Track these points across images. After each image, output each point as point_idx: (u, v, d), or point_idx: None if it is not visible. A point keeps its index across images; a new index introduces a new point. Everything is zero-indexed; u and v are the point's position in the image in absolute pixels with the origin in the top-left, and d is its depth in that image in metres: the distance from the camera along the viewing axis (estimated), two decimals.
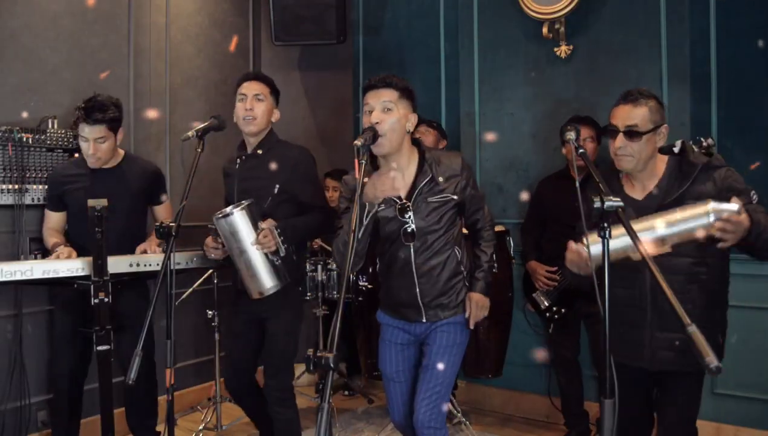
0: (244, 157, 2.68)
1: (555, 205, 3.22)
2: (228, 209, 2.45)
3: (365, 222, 2.08)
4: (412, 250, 2.19)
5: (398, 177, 2.16)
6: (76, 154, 3.20)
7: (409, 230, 2.18)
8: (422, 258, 2.21)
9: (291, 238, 2.51)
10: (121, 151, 2.95)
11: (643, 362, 2.03)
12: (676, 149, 2.08)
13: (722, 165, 2.00)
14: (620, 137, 1.97)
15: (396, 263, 2.24)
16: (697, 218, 1.77)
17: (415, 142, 2.29)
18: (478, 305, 2.26)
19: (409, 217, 2.18)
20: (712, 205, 1.77)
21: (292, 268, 2.62)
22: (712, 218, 1.76)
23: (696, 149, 2.99)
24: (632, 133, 1.96)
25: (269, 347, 2.67)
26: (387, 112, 2.13)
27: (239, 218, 2.40)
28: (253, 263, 2.44)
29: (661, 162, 2.06)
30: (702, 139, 3.00)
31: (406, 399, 2.33)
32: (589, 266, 1.85)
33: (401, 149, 2.20)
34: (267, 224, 2.42)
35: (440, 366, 2.20)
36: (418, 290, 2.22)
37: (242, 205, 2.42)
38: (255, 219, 2.43)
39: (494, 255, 2.34)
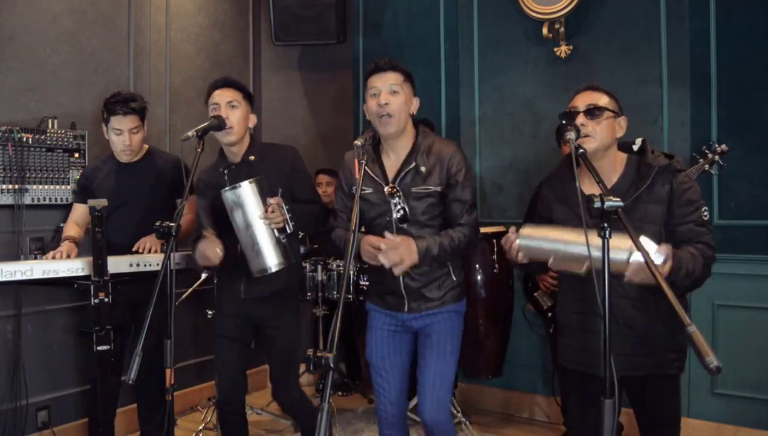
0: (233, 166, 2.56)
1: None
2: (238, 183, 2.38)
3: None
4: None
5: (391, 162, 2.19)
6: (76, 154, 3.22)
7: (400, 214, 2.15)
8: None
9: (297, 219, 2.45)
10: (146, 145, 3.01)
11: (598, 369, 1.96)
12: (635, 147, 2.04)
13: (682, 170, 1.96)
14: (581, 115, 1.94)
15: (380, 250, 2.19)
16: (617, 251, 1.66)
17: (415, 126, 2.26)
18: (403, 246, 2.05)
19: (398, 201, 2.15)
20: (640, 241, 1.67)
21: (293, 269, 2.60)
22: (632, 258, 1.67)
23: (709, 155, 3.04)
24: (593, 111, 1.93)
25: (278, 357, 2.64)
26: (394, 94, 2.15)
27: (248, 191, 2.34)
28: (258, 238, 2.36)
29: (621, 160, 2.01)
30: (717, 145, 3.03)
31: (394, 393, 2.27)
32: (515, 255, 1.91)
33: (404, 132, 2.20)
34: (275, 200, 2.36)
35: (441, 356, 2.18)
36: (401, 278, 2.18)
37: (252, 179, 2.37)
38: (264, 194, 2.37)
39: (460, 245, 2.14)
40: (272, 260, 2.37)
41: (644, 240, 1.69)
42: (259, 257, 2.37)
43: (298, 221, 2.47)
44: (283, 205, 2.36)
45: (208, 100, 2.55)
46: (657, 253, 1.70)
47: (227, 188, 2.36)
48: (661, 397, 2.00)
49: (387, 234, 2.10)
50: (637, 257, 1.67)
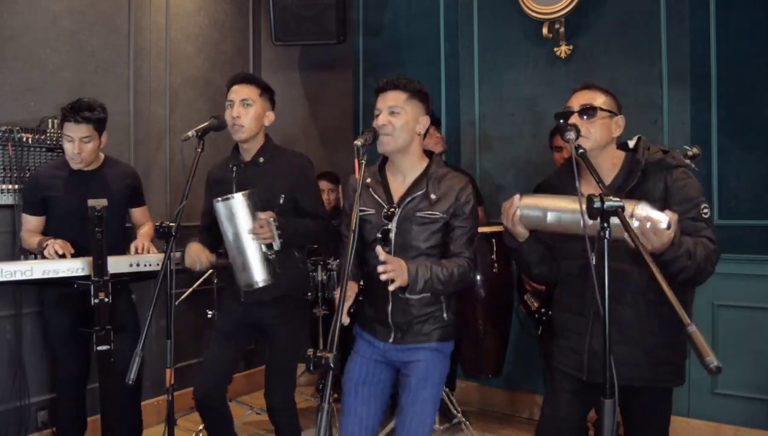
0: (242, 164, 2.56)
1: None
2: (231, 195, 2.38)
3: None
4: None
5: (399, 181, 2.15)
6: None
7: (385, 230, 2.09)
8: None
9: (290, 236, 2.44)
10: (102, 155, 2.93)
11: (581, 372, 1.95)
12: (631, 144, 2.02)
13: (679, 164, 1.91)
14: (575, 115, 1.92)
15: (374, 275, 2.07)
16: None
17: (428, 154, 2.22)
18: (397, 264, 1.96)
19: (392, 222, 2.10)
20: (640, 207, 1.64)
21: (297, 275, 2.61)
22: (635, 223, 1.63)
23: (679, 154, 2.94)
24: (587, 111, 1.91)
25: (275, 358, 2.60)
26: (393, 115, 2.09)
27: (239, 203, 2.33)
28: (246, 253, 2.35)
29: (618, 159, 1.99)
30: (687, 147, 2.95)
31: (366, 421, 2.12)
32: (517, 225, 1.88)
33: (408, 152, 2.15)
34: (266, 215, 2.34)
35: (415, 403, 2.07)
36: (390, 308, 2.11)
37: (245, 192, 2.36)
38: (255, 208, 2.36)
39: (453, 277, 2.06)
40: (259, 275, 2.36)
41: (646, 207, 1.64)
42: (246, 272, 2.37)
43: (293, 237, 2.45)
44: (273, 221, 2.34)
45: (226, 93, 2.56)
46: (662, 215, 1.63)
47: (219, 199, 2.35)
48: (651, 409, 1.96)
49: (378, 250, 1.99)
50: (638, 222, 1.62)
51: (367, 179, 2.20)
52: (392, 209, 2.12)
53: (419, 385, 2.09)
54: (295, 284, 2.61)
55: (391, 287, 1.98)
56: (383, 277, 1.95)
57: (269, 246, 2.36)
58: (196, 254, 2.47)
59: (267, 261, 2.37)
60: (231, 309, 2.62)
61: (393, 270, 1.95)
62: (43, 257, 2.70)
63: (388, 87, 2.14)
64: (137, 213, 3.06)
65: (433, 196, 2.10)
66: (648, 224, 1.62)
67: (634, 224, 1.62)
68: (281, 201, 2.51)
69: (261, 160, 2.56)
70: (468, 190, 2.14)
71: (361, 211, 2.16)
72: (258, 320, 2.59)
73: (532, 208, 1.86)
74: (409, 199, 2.12)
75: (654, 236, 1.63)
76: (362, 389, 2.16)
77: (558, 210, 1.80)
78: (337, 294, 1.77)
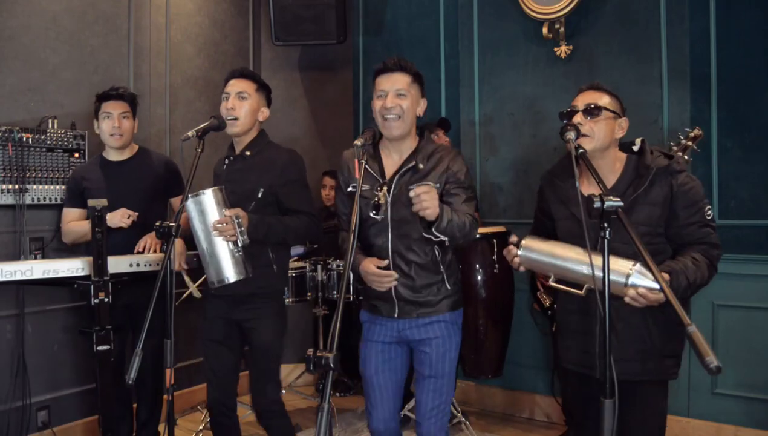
0: (232, 157, 2.58)
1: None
2: (201, 191, 2.34)
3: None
4: (389, 238, 2.12)
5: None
6: (76, 154, 3.21)
7: (377, 202, 2.08)
8: (398, 249, 2.13)
9: (261, 234, 2.40)
10: (136, 145, 3.03)
11: (593, 370, 1.97)
12: (635, 147, 2.03)
13: (682, 170, 1.93)
14: (579, 114, 1.94)
15: (372, 251, 2.17)
16: (615, 273, 1.70)
17: (420, 132, 2.23)
18: (432, 194, 1.96)
19: (382, 195, 2.10)
20: (636, 269, 1.72)
21: (269, 274, 2.53)
22: (629, 282, 1.72)
23: (682, 140, 2.94)
24: (592, 110, 1.92)
25: (256, 360, 2.56)
26: (400, 97, 2.11)
27: (207, 200, 2.31)
28: (214, 249, 2.31)
29: (620, 161, 2.00)
30: (688, 129, 2.97)
31: (388, 404, 2.22)
32: (517, 264, 1.95)
33: (409, 134, 2.18)
34: (230, 212, 2.31)
35: (439, 377, 2.14)
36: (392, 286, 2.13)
37: (214, 188, 2.34)
38: (224, 205, 2.33)
39: (465, 227, 2.06)
40: (228, 271, 2.33)
41: (640, 277, 1.72)
42: (213, 268, 2.33)
43: (265, 235, 2.42)
44: (236, 218, 2.30)
45: (223, 88, 2.57)
46: (654, 283, 1.71)
47: (189, 196, 2.31)
48: (651, 402, 1.98)
49: (414, 191, 1.97)
50: (635, 280, 1.72)
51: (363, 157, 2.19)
52: (385, 184, 2.13)
53: (438, 360, 2.14)
54: (267, 283, 2.54)
55: (428, 214, 1.96)
56: (416, 207, 1.94)
57: (235, 243, 2.33)
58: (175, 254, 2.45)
59: (234, 257, 2.34)
60: (214, 313, 2.55)
61: (427, 199, 1.94)
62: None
63: (396, 68, 2.14)
64: (175, 203, 3.08)
65: (421, 166, 2.13)
66: (641, 290, 1.72)
67: (629, 282, 1.72)
68: (259, 195, 2.49)
69: (247, 153, 2.55)
70: (459, 160, 2.17)
71: (356, 187, 2.13)
72: (240, 320, 2.54)
73: (533, 259, 1.92)
74: (401, 172, 2.14)
75: (651, 297, 1.72)
76: (379, 376, 2.22)
77: (561, 264, 1.86)
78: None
